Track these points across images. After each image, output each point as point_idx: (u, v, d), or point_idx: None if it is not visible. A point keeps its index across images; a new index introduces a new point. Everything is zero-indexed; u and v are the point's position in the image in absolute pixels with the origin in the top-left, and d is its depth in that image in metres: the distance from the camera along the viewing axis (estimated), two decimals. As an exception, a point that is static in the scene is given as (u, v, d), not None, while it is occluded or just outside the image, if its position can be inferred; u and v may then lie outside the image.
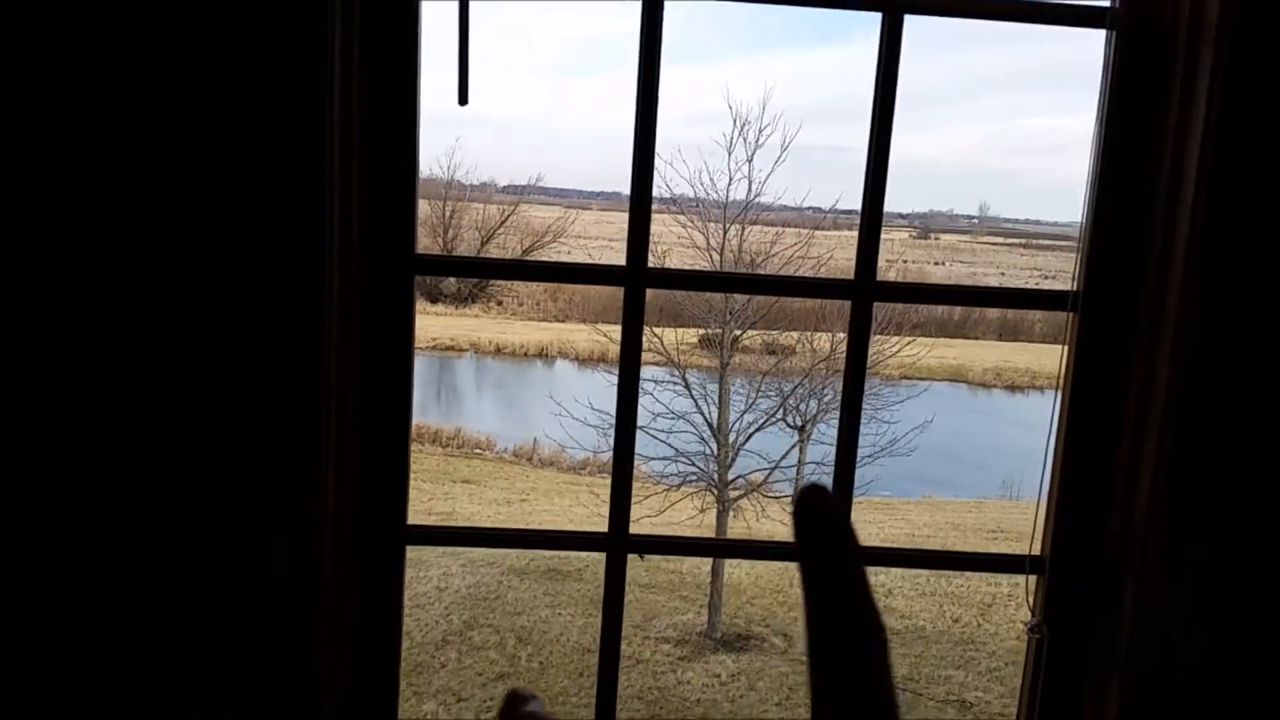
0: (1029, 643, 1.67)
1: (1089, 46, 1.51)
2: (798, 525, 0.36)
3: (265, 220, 1.33)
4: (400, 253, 1.47)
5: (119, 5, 1.28)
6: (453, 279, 21.49)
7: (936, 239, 29.51)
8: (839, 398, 1.70)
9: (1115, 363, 1.53)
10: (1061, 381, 1.58)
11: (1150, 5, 1.45)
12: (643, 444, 10.18)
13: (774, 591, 10.47)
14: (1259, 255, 1.40)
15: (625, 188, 1.53)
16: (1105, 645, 1.55)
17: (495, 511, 12.40)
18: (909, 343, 12.00)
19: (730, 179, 10.94)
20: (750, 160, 10.92)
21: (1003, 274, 24.25)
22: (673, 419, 10.51)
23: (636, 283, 1.54)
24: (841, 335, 10.55)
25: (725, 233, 10.86)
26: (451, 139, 21.67)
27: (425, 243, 20.18)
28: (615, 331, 1.57)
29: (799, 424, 11.21)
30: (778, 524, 10.23)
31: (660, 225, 11.92)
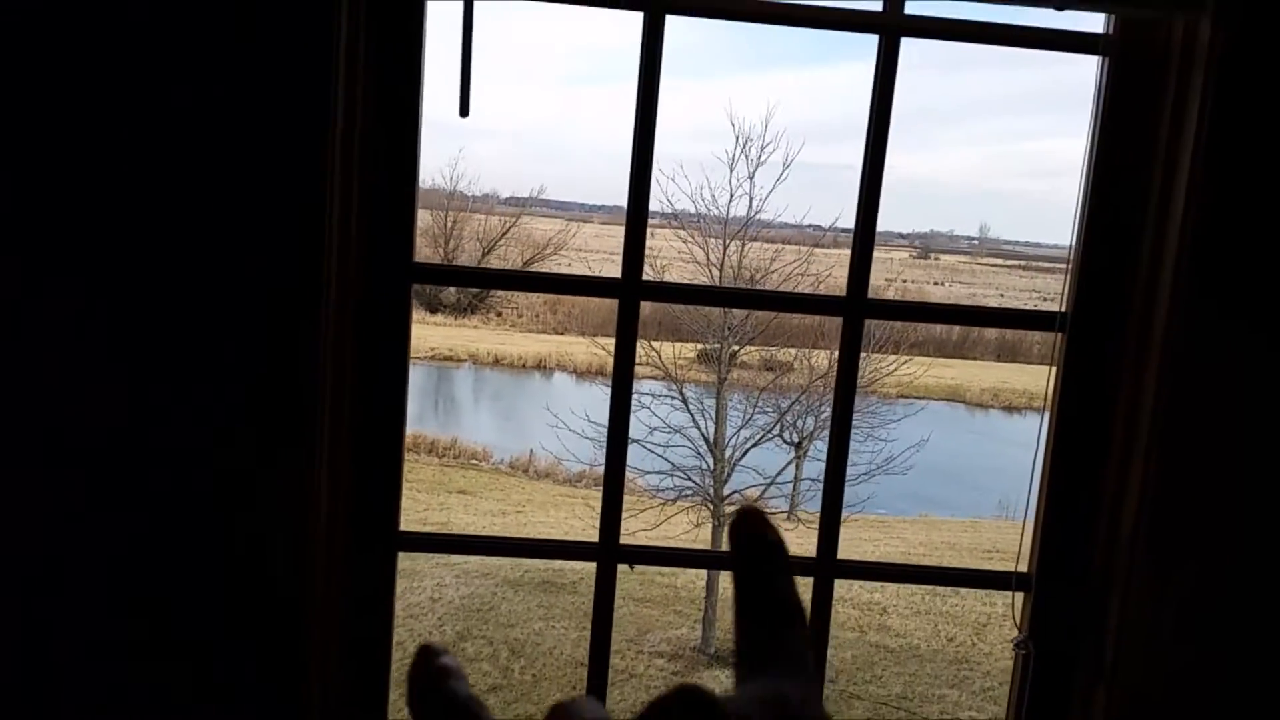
0: (1016, 659, 1.68)
1: (1091, 71, 1.54)
2: (733, 543, 0.39)
3: (264, 225, 1.35)
4: (398, 260, 1.49)
5: (119, 4, 1.30)
6: (452, 289, 21.55)
7: (936, 259, 29.57)
8: (832, 413, 1.73)
9: (1103, 383, 1.54)
10: (1050, 401, 1.60)
11: (1143, 31, 1.48)
12: (639, 458, 10.19)
13: (768, 608, 10.42)
14: (1246, 277, 1.42)
15: (626, 202, 1.54)
16: (1091, 661, 1.56)
17: (490, 523, 12.38)
18: (905, 361, 12.02)
19: (732, 195, 10.98)
20: (752, 177, 10.96)
21: (1002, 295, 24.29)
22: (670, 433, 10.51)
23: (631, 295, 1.56)
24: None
25: (725, 249, 10.89)
26: (455, 149, 21.77)
27: (427, 253, 20.31)
28: (613, 345, 1.59)
29: (795, 440, 11.22)
30: (772, 540, 10.19)
31: (661, 240, 11.97)
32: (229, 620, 1.42)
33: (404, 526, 1.58)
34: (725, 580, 10.17)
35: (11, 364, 1.35)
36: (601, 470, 1.65)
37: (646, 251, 1.57)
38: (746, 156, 10.95)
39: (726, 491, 10.53)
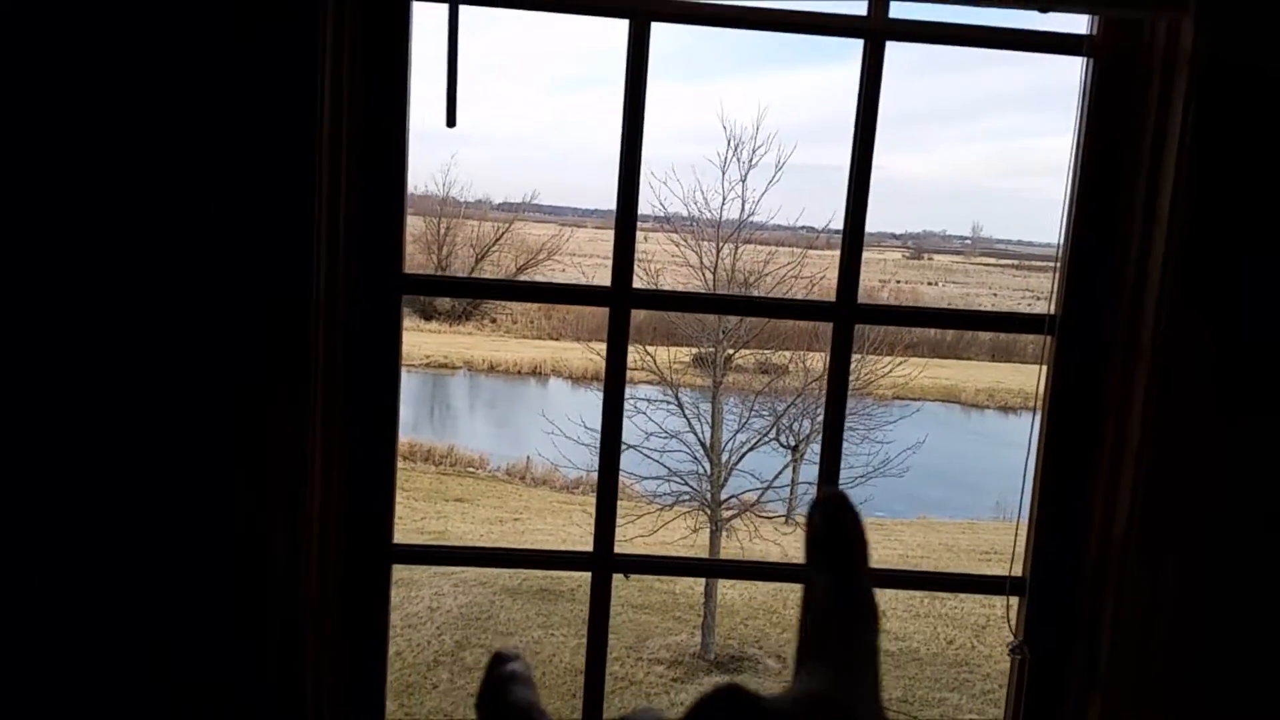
0: (1012, 664, 1.68)
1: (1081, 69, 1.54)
2: (811, 530, 0.37)
3: (252, 236, 1.35)
4: (388, 271, 1.49)
5: (106, 16, 1.30)
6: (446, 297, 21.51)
7: (930, 259, 29.63)
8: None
9: (1093, 384, 1.54)
10: (1041, 402, 1.60)
11: (1126, 32, 1.48)
12: (636, 463, 10.17)
13: (767, 613, 10.43)
14: (1234, 276, 1.42)
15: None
16: (1085, 665, 1.56)
17: (488, 530, 12.35)
18: (900, 363, 12.03)
19: (724, 198, 10.98)
20: (744, 180, 10.96)
21: (995, 294, 24.33)
22: (666, 438, 10.50)
23: (621, 303, 1.55)
24: (834, 355, 10.54)
25: (719, 252, 10.90)
26: (447, 156, 21.78)
27: (420, 259, 20.30)
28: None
29: (792, 444, 11.21)
30: (770, 544, 10.22)
31: (654, 244, 11.96)
32: (222, 635, 1.41)
33: (401, 536, 1.57)
34: (724, 586, 10.17)
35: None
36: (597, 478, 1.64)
37: (640, 255, 1.57)
38: (738, 159, 10.97)
39: (723, 496, 10.52)
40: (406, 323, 1.56)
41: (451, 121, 1.53)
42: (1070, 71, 1.51)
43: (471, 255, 21.92)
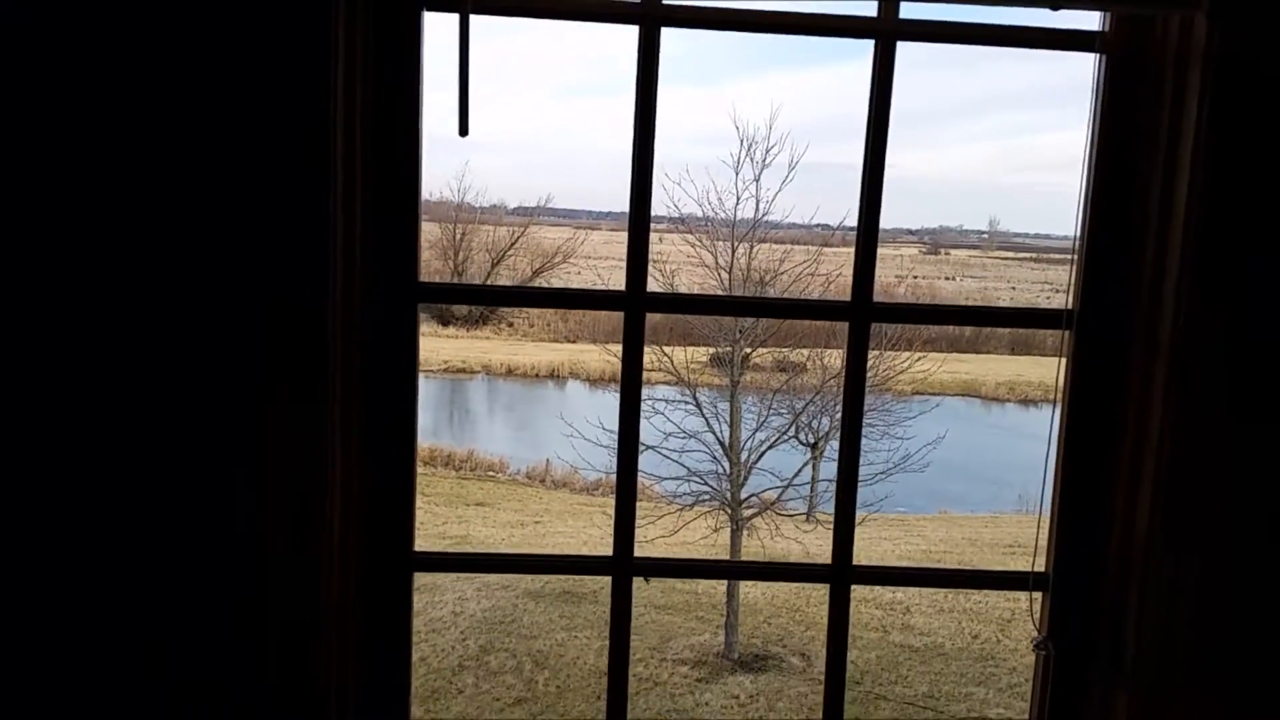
0: (1036, 659, 1.67)
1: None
2: None
3: (268, 252, 1.36)
4: (403, 280, 1.50)
5: (125, 27, 1.32)
6: (464, 302, 21.55)
7: (947, 254, 29.49)
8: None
9: (1113, 377, 1.54)
10: (1060, 396, 1.60)
11: (1138, 28, 1.48)
12: (655, 464, 10.18)
13: (790, 611, 10.42)
14: (1251, 267, 1.41)
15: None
16: (1111, 659, 1.55)
17: (509, 534, 12.40)
18: (919, 358, 11.98)
19: (738, 198, 10.98)
20: (758, 179, 10.97)
21: (1013, 288, 24.19)
22: (684, 438, 10.50)
23: (636, 307, 1.56)
24: (852, 352, 10.51)
25: (734, 251, 10.89)
26: (461, 162, 21.87)
27: (436, 265, 20.37)
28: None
29: (811, 441, 11.19)
30: (792, 542, 10.20)
31: (669, 245, 11.97)
32: (242, 645, 1.43)
33: (423, 541, 1.58)
34: (746, 585, 10.16)
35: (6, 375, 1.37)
36: (615, 481, 1.65)
37: (655, 257, 1.58)
38: (752, 159, 10.97)
39: (743, 495, 10.51)
40: (424, 328, 1.57)
41: (464, 130, 1.54)
42: (1079, 68, 1.51)
43: (487, 260, 22.00)
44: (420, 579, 1.55)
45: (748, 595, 10.31)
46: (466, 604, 10.16)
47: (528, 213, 23.52)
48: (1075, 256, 1.55)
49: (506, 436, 17.08)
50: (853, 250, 1.57)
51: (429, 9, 1.46)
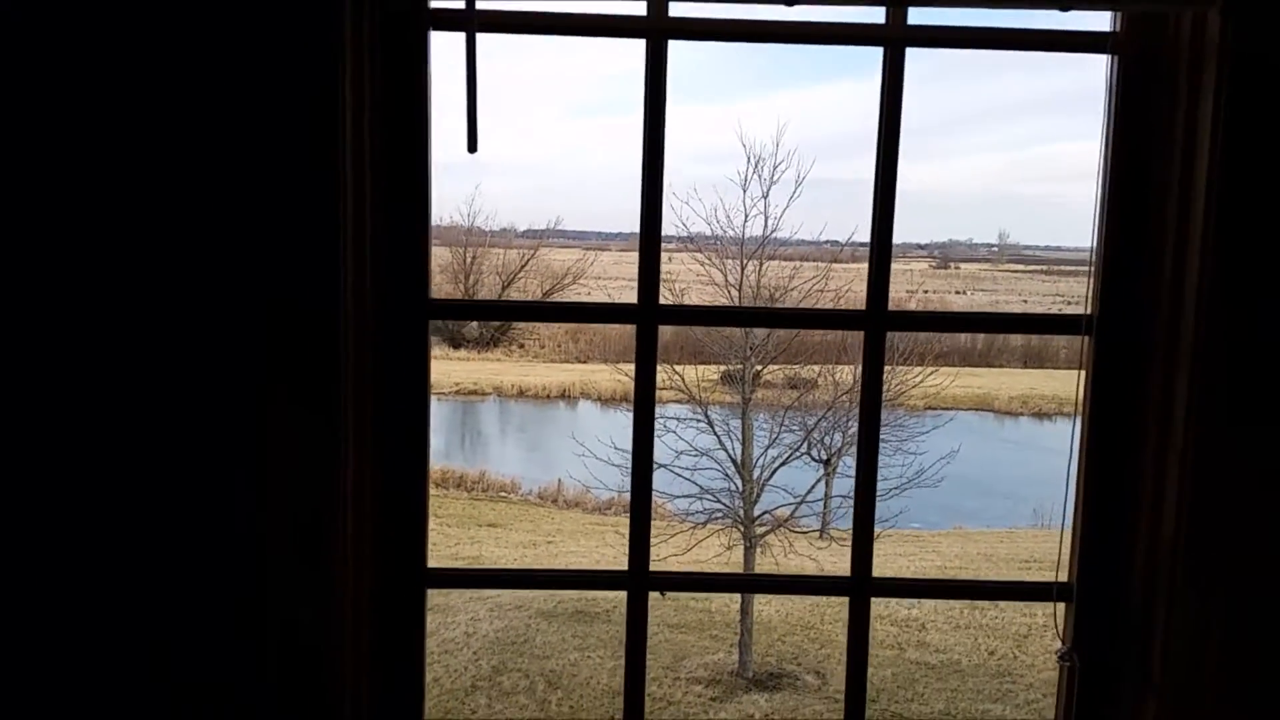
0: (1061, 671, 1.64)
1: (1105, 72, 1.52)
2: None
3: (273, 252, 1.36)
4: (414, 297, 1.49)
5: (133, 53, 1.32)
6: (474, 323, 21.67)
7: (957, 268, 29.45)
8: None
9: (1133, 385, 1.52)
10: (1080, 406, 1.57)
11: (1151, 27, 1.46)
12: (667, 482, 10.15)
13: (805, 628, 10.34)
14: (1272, 270, 1.39)
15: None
16: (1137, 671, 1.52)
17: (521, 554, 12.36)
18: (931, 372, 11.93)
19: (746, 215, 10.99)
20: (766, 196, 10.98)
21: (1025, 301, 24.11)
22: (696, 456, 10.47)
23: (648, 319, 1.55)
24: (863, 367, 10.50)
25: (743, 269, 10.89)
26: (470, 187, 22.01)
27: (448, 289, 20.43)
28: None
29: (824, 457, 11.14)
30: (805, 559, 10.14)
31: (678, 264, 11.98)
32: (242, 645, 1.42)
33: (435, 562, 1.57)
34: (760, 603, 10.10)
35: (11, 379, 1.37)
36: (630, 496, 1.63)
37: (664, 275, 1.57)
38: (759, 176, 10.98)
39: (756, 512, 10.46)
40: (435, 350, 1.57)
41: (473, 146, 1.53)
42: (1088, 76, 1.50)
43: (498, 282, 22.08)
44: (433, 599, 1.53)
45: (761, 613, 10.24)
46: (479, 624, 10.12)
47: (538, 235, 23.64)
48: (1093, 260, 1.53)
49: (518, 457, 17.05)
50: (862, 266, 1.56)
51: (435, 29, 1.46)
